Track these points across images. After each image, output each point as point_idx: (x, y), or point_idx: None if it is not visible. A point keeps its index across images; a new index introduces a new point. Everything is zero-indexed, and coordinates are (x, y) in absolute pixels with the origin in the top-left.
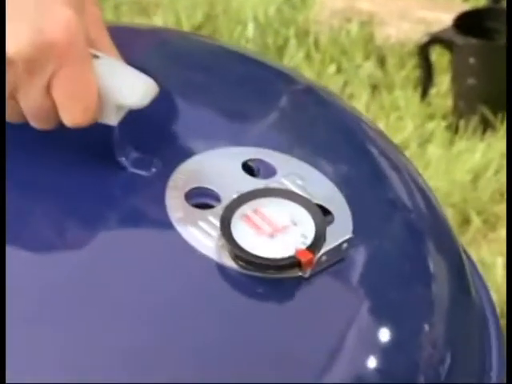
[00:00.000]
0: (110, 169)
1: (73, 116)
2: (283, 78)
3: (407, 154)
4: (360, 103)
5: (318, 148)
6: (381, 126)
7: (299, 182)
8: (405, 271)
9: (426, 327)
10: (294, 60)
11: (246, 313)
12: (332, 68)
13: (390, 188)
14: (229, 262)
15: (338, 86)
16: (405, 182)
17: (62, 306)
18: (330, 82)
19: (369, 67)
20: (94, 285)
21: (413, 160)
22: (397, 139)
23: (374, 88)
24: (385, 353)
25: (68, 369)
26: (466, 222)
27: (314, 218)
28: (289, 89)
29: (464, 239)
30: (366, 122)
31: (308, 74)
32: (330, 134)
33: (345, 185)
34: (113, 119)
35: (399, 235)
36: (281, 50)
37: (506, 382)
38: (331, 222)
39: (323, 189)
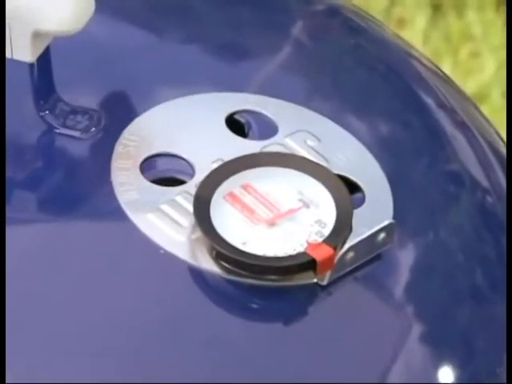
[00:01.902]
0: (30, 128)
1: None
2: None
3: (487, 107)
4: (415, 31)
5: (344, 96)
6: (446, 65)
7: (312, 142)
8: (476, 279)
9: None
10: None
11: (234, 340)
12: None
13: (453, 157)
14: (208, 264)
15: (382, 5)
16: (477, 149)
17: None
18: (371, 0)
19: None
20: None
21: (494, 116)
22: (470, 85)
23: (436, 9)
24: None
25: None
26: None
27: (336, 197)
28: (305, 11)
29: None
30: (418, 58)
31: None
32: (363, 76)
33: (384, 149)
34: (28, 54)
35: (468, 225)
36: None
37: (506, 382)
38: (361, 202)
39: (350, 154)
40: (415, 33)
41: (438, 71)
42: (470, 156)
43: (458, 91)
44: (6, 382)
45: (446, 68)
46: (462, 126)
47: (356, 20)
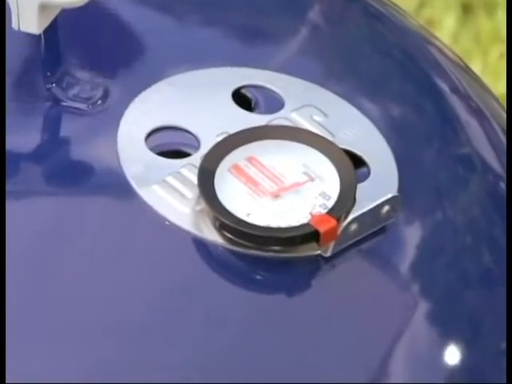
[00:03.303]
0: (36, 101)
1: None
2: None
3: None
4: (444, 32)
5: (356, 78)
6: (476, 66)
7: (318, 117)
8: (483, 260)
9: None
10: None
11: (238, 312)
12: None
13: (464, 140)
14: (212, 235)
15: (411, 5)
16: (491, 135)
17: None
18: (399, 0)
19: None
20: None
21: None
22: (501, 86)
23: (466, 9)
24: None
25: None
26: None
27: (340, 170)
28: None
29: None
30: (437, 46)
31: None
32: (378, 59)
33: (393, 129)
34: (35, 25)
35: (476, 208)
36: None
37: (506, 382)
38: (366, 176)
39: (356, 129)
40: (444, 34)
41: (458, 60)
42: (483, 141)
43: (477, 80)
44: (6, 381)
45: (476, 69)
46: (477, 112)
47: (376, 6)
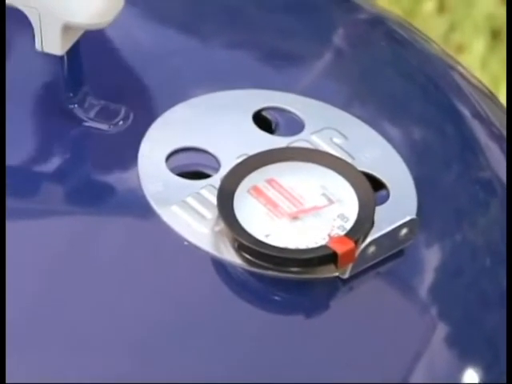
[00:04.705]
0: (59, 121)
1: None
2: (340, 4)
3: None
4: (473, 57)
5: (378, 102)
6: (505, 91)
7: (338, 140)
8: (503, 283)
9: None
10: None
11: (256, 333)
12: (430, 5)
13: (485, 165)
14: (230, 256)
15: (440, 31)
16: None
17: None
18: (428, 25)
19: (487, 3)
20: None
21: None
22: None
23: (495, 35)
24: None
25: None
26: None
27: (358, 192)
28: (349, 19)
29: None
30: (461, 73)
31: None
32: (401, 82)
33: (413, 153)
34: (58, 46)
35: (496, 231)
36: None
37: (506, 382)
38: (385, 198)
39: (376, 152)
40: (473, 59)
41: (482, 86)
42: (503, 165)
43: (500, 107)
44: (6, 381)
45: (505, 94)
46: (498, 137)
47: (399, 31)
